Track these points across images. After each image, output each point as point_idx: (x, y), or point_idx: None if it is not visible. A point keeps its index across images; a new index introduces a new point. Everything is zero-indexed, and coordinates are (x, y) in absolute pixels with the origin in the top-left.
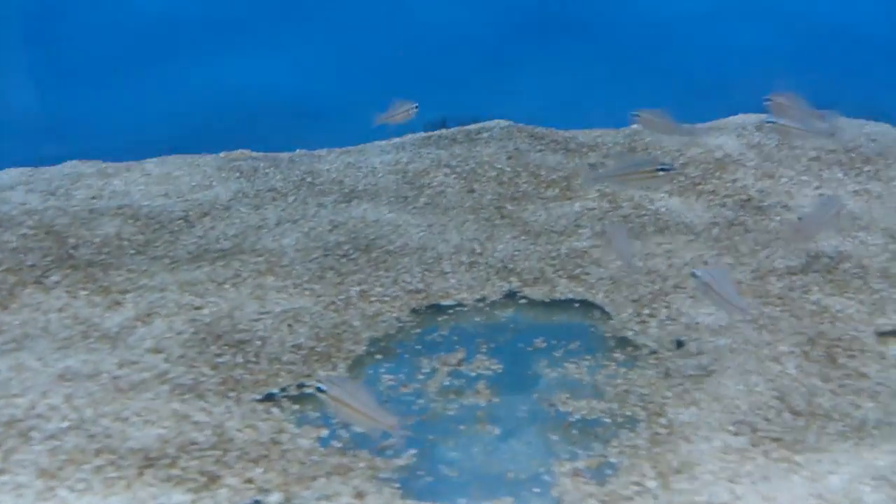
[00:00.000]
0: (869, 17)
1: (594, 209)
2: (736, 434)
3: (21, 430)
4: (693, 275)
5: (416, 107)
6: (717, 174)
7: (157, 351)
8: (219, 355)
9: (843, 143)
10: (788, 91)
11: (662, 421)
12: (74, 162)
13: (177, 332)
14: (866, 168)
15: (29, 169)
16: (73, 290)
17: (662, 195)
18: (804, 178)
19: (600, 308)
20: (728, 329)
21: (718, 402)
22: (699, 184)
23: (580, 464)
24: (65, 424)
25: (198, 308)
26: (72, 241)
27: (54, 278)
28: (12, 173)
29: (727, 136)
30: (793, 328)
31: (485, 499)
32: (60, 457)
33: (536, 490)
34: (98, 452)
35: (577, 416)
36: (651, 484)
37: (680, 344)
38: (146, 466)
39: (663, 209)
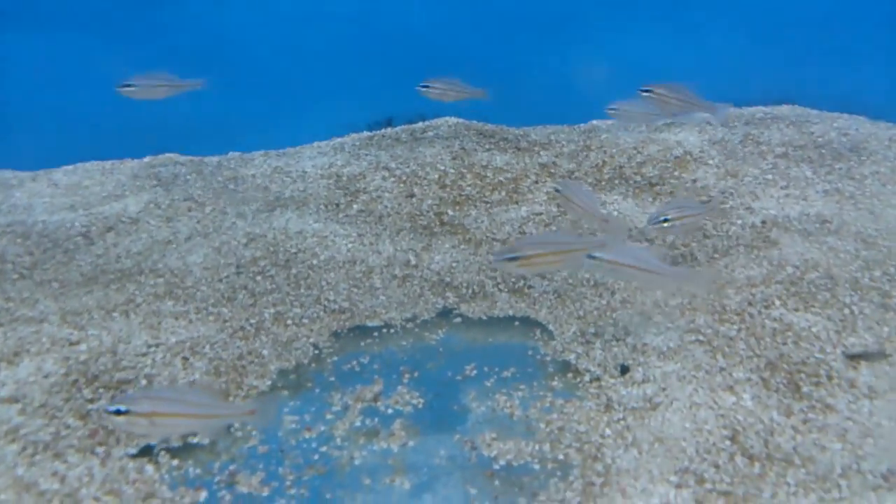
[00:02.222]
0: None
1: (541, 213)
2: (679, 486)
3: None
4: (555, 190)
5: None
6: (677, 173)
7: (13, 400)
8: (91, 401)
9: (813, 139)
10: (669, 82)
11: (598, 467)
12: None
13: (44, 374)
14: (837, 166)
15: None
16: None
17: (616, 198)
18: (770, 176)
19: (542, 326)
20: (677, 352)
21: (662, 443)
22: (656, 184)
23: None
24: None
25: (74, 343)
26: None
27: None
28: None
29: (688, 131)
30: (751, 350)
31: None
32: None
33: None
34: None
35: (503, 462)
36: None
37: (625, 370)
38: None
39: (615, 213)
